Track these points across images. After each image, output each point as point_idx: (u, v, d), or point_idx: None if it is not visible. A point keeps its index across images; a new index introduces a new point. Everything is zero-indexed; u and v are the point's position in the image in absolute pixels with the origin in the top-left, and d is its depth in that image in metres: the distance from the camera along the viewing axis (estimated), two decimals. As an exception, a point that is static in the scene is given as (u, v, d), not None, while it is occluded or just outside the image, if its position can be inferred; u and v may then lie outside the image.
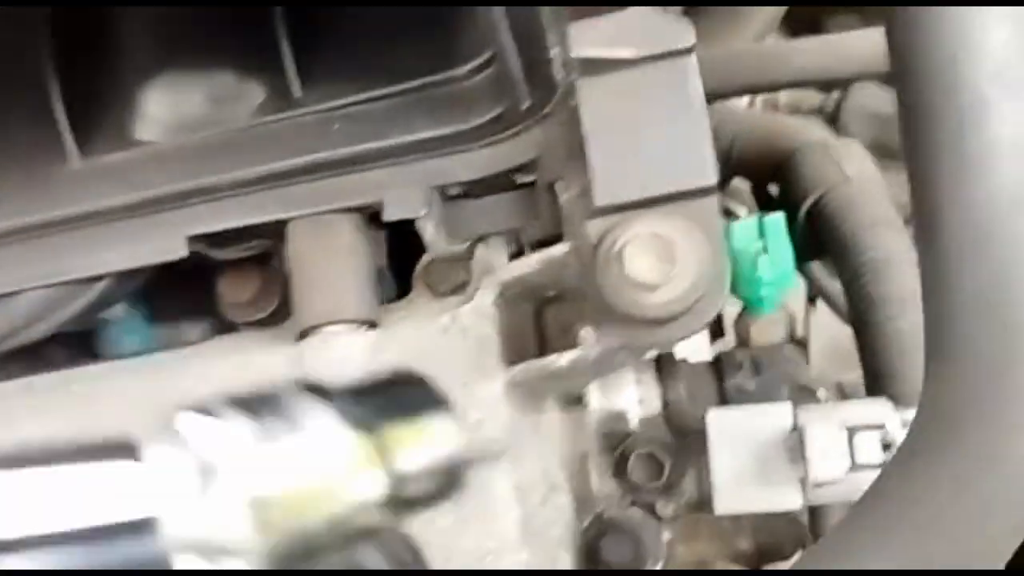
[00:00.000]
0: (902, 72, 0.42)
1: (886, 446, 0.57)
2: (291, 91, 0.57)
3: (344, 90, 0.55)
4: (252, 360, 0.55)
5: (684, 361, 0.74)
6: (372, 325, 0.57)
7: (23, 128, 0.55)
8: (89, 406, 0.56)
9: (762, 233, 0.91)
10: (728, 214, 0.99)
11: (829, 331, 1.02)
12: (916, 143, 0.42)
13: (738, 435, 0.65)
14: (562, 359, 0.51)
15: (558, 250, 0.52)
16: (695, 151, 0.47)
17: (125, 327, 0.77)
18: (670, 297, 0.45)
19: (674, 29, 0.48)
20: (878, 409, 0.61)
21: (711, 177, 0.47)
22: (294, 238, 0.57)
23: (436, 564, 0.51)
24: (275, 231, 0.58)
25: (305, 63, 0.57)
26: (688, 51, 0.48)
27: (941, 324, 0.42)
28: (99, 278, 0.57)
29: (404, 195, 0.54)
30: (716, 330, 0.99)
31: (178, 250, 0.56)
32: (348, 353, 0.53)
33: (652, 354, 0.58)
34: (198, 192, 0.54)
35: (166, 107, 0.56)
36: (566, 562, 0.57)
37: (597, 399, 0.71)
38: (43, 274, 0.57)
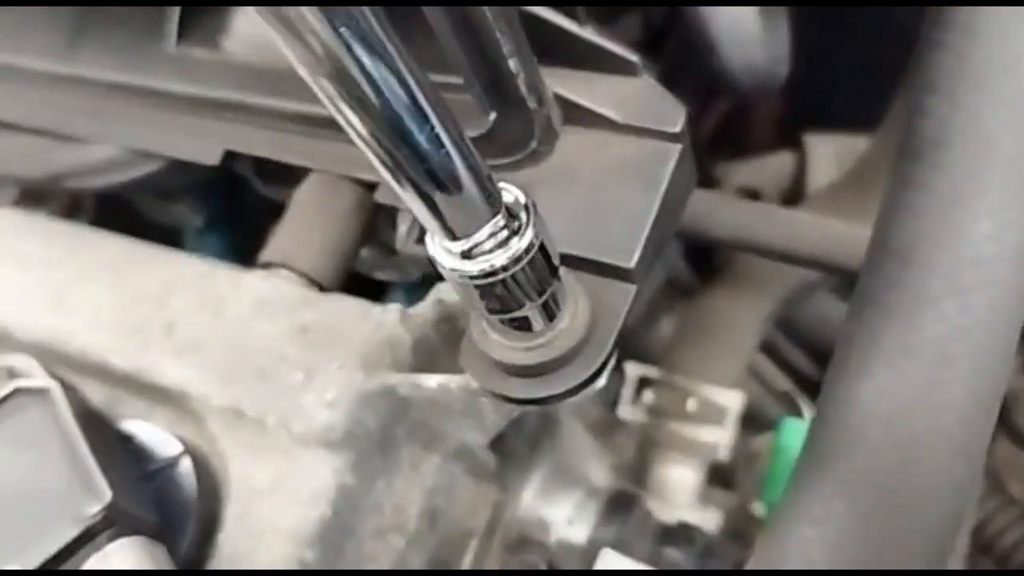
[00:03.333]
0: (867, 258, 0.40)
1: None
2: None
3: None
4: (212, 272, 0.58)
5: (642, 510, 0.67)
6: (321, 288, 0.58)
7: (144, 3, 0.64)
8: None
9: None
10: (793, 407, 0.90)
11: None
12: (848, 328, 0.40)
13: (624, 592, 0.57)
14: (430, 380, 0.49)
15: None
16: (632, 232, 0.44)
17: (195, 241, 0.84)
18: (522, 351, 0.42)
19: (666, 110, 0.46)
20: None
21: (630, 261, 0.44)
22: (304, 186, 0.60)
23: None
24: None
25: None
26: (673, 136, 0.45)
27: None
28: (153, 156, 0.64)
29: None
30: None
31: (211, 157, 0.61)
32: (274, 295, 0.54)
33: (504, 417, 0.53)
34: (241, 109, 0.59)
35: (253, 25, 0.61)
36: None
37: (530, 493, 0.66)
38: (117, 134, 0.65)
